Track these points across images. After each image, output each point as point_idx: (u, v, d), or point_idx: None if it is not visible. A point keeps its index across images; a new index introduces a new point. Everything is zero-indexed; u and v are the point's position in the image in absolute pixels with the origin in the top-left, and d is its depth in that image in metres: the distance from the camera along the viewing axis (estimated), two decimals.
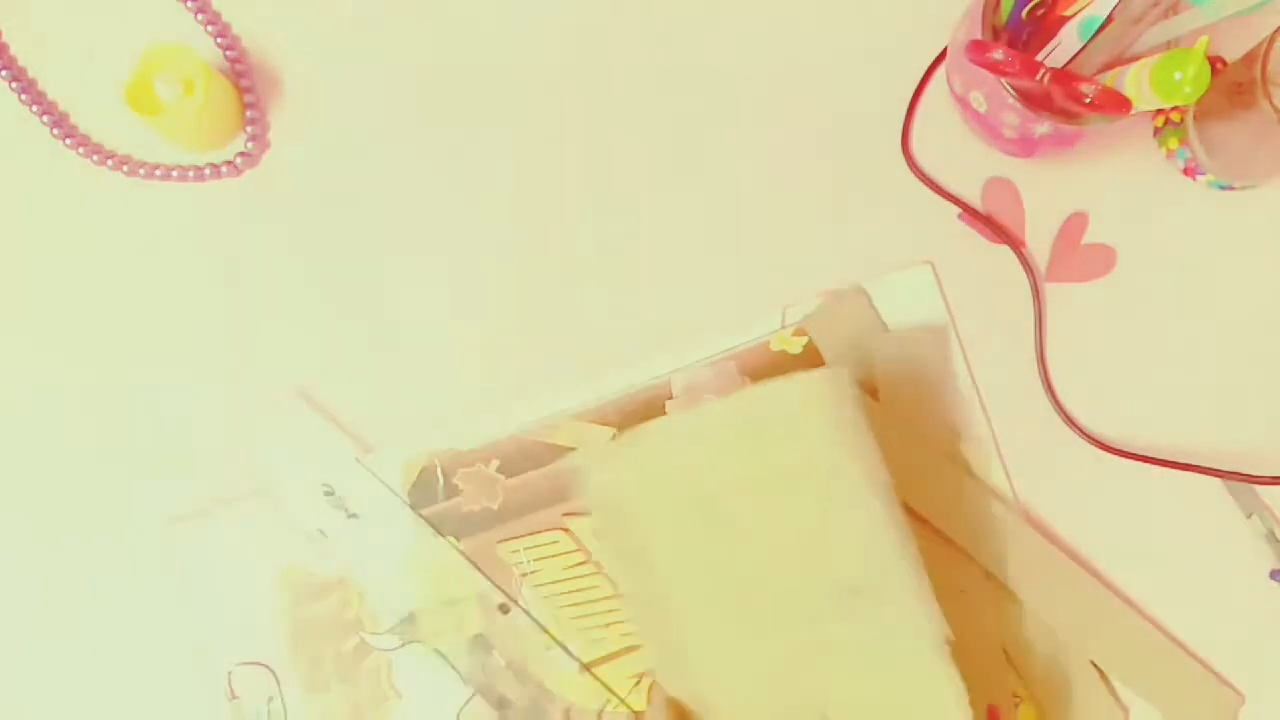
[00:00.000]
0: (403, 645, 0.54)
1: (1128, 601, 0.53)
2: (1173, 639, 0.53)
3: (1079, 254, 0.55)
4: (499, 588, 0.53)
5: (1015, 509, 0.54)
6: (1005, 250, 0.55)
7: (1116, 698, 0.52)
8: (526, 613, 0.53)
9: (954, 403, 0.54)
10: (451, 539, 0.54)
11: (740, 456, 0.48)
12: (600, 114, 0.57)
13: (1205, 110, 0.52)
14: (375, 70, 0.58)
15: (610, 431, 0.55)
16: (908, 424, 0.54)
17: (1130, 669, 0.52)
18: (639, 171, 0.57)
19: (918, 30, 0.56)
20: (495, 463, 0.55)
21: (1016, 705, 0.52)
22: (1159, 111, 0.55)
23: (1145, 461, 0.53)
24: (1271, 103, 0.48)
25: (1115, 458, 0.53)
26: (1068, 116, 0.49)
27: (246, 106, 0.57)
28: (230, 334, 0.57)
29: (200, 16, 0.58)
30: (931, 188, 0.56)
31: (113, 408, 0.56)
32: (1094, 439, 0.54)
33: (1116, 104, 0.47)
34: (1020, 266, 0.55)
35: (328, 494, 0.54)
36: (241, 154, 0.57)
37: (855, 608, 0.46)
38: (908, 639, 0.46)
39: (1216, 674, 0.52)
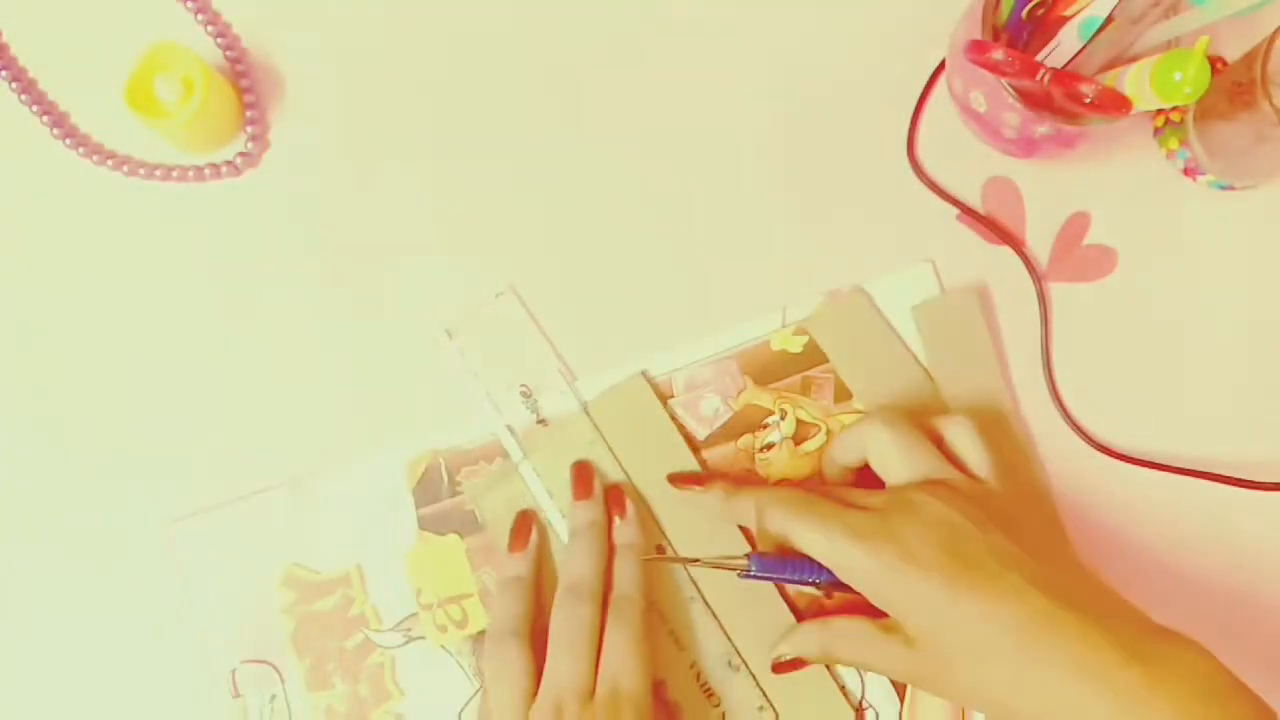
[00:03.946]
0: (406, 643, 0.54)
1: None
2: None
3: (1080, 254, 0.55)
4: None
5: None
6: (1006, 251, 0.55)
7: None
8: None
9: (1002, 360, 0.55)
10: (455, 535, 0.55)
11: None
12: (603, 113, 0.57)
13: (1205, 110, 0.52)
14: (376, 70, 0.58)
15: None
16: (966, 389, 0.54)
17: None
18: (641, 171, 0.57)
19: (922, 33, 0.56)
20: (499, 460, 0.55)
21: None
22: (1159, 111, 0.55)
23: (1144, 466, 0.53)
24: (1271, 103, 0.48)
25: (1114, 460, 0.54)
26: (1068, 116, 0.49)
27: (246, 106, 0.57)
28: (229, 335, 0.57)
29: (200, 16, 0.58)
30: (933, 189, 0.56)
31: (113, 407, 0.56)
32: (1096, 442, 0.54)
33: (1116, 104, 0.47)
34: (1023, 267, 0.55)
35: (524, 395, 0.54)
36: (241, 154, 0.57)
37: None
38: None
39: None
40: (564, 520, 0.54)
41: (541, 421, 0.55)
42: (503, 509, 0.55)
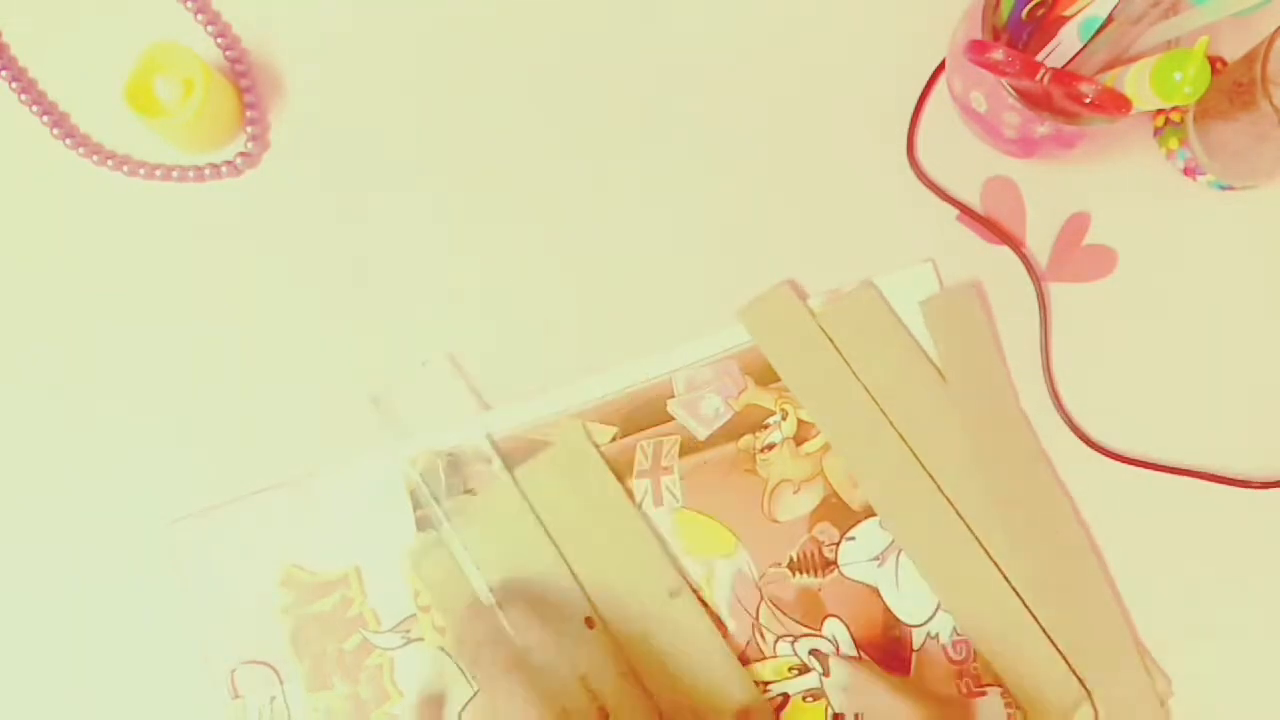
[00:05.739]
0: (405, 644, 0.54)
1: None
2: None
3: (1080, 255, 0.55)
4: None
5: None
6: (1006, 251, 0.55)
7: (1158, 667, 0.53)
8: None
9: (1004, 356, 0.55)
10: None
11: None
12: (606, 113, 0.57)
13: (1205, 110, 0.52)
14: (376, 70, 0.58)
15: (612, 430, 0.55)
16: (976, 385, 0.54)
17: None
18: (644, 171, 0.57)
19: (922, 33, 0.56)
20: (497, 461, 0.55)
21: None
22: (1159, 111, 0.55)
23: (1143, 466, 0.53)
24: (1271, 103, 0.48)
25: (1113, 460, 0.54)
26: (1068, 116, 0.49)
27: (246, 106, 0.57)
28: (229, 335, 0.57)
29: (200, 16, 0.58)
30: (933, 189, 0.56)
31: (113, 406, 0.56)
32: (1095, 443, 0.54)
33: (1116, 104, 0.47)
34: (1023, 268, 0.55)
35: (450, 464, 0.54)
36: (241, 154, 0.57)
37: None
38: None
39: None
40: (489, 592, 0.53)
41: (469, 491, 0.54)
42: (439, 579, 0.54)
